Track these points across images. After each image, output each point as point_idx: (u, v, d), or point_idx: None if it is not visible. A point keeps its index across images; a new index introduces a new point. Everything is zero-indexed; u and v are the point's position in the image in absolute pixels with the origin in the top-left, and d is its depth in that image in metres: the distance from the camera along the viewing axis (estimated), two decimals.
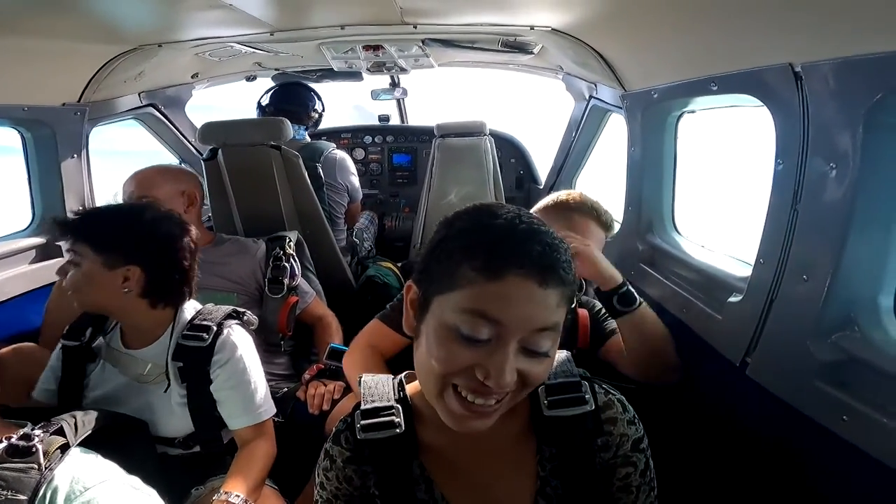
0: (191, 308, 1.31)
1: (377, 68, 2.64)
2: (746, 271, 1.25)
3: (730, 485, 1.25)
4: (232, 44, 1.97)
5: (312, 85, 2.86)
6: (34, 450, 0.85)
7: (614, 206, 2.01)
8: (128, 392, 1.25)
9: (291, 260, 1.85)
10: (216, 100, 3.25)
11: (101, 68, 1.84)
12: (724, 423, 1.30)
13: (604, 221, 1.48)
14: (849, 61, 0.87)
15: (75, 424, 0.96)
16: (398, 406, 0.77)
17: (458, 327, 0.63)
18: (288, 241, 1.89)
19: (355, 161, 3.19)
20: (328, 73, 2.80)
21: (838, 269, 0.95)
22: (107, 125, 2.26)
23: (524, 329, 0.63)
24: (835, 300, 0.97)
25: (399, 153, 3.57)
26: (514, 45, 2.07)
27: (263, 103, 2.72)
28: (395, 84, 3.28)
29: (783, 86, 1.03)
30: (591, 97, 2.40)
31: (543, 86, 2.98)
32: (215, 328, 1.25)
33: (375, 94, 3.27)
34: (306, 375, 1.59)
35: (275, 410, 1.32)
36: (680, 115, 1.68)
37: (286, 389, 1.66)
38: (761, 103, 1.14)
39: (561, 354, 0.82)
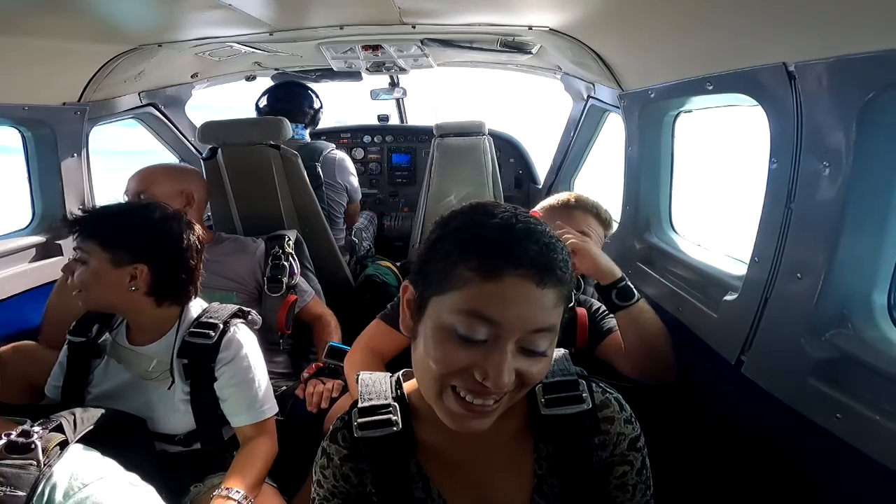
0: (197, 306, 1.32)
1: (376, 68, 2.64)
2: (742, 270, 1.25)
3: (725, 482, 1.25)
4: (231, 44, 1.97)
5: (312, 84, 2.86)
6: (33, 446, 0.85)
7: (612, 205, 2.02)
8: (130, 389, 1.26)
9: (290, 259, 1.86)
10: (216, 99, 3.26)
11: (101, 68, 1.85)
12: (720, 420, 1.30)
13: (603, 218, 1.52)
14: (841, 60, 0.88)
15: (74, 421, 0.97)
16: (395, 404, 0.78)
17: (455, 328, 0.63)
18: (287, 240, 1.90)
19: (354, 161, 3.19)
20: (327, 73, 2.80)
21: (832, 267, 0.96)
22: (107, 125, 2.27)
23: (521, 329, 0.63)
24: (828, 298, 0.98)
25: (398, 153, 3.58)
26: (512, 45, 2.07)
27: (261, 105, 2.73)
28: (394, 84, 3.29)
29: (777, 85, 1.04)
30: (589, 97, 2.41)
31: (542, 86, 2.99)
32: (221, 326, 1.26)
33: (375, 94, 3.28)
34: (305, 374, 1.60)
35: (277, 409, 1.33)
36: (677, 115, 1.69)
37: (285, 388, 1.66)
38: (756, 103, 1.15)
39: (558, 353, 0.82)
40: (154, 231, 1.23)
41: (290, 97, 2.71)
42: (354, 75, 2.86)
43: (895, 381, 0.85)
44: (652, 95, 1.64)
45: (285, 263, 1.83)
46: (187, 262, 1.26)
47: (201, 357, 1.24)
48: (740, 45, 1.14)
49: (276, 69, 2.81)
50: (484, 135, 2.69)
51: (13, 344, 1.53)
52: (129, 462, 0.93)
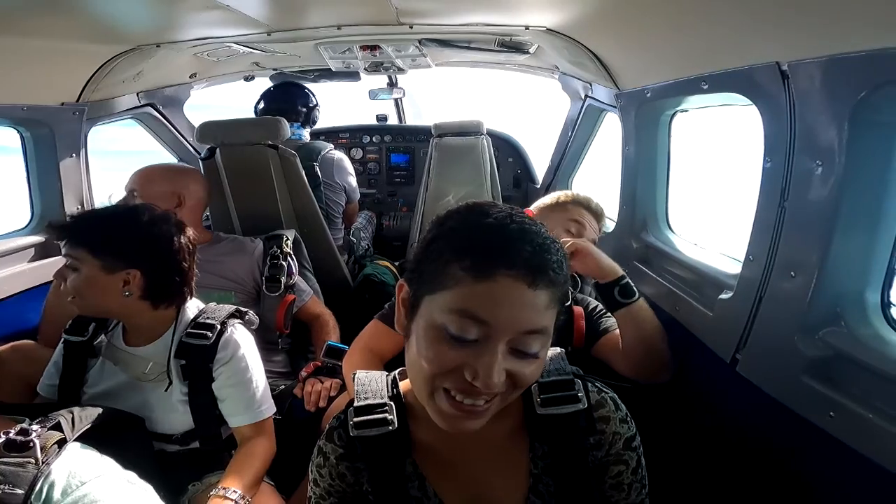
0: (193, 307, 1.32)
1: (374, 68, 2.64)
2: (737, 268, 1.26)
3: (720, 480, 1.26)
4: (230, 44, 1.98)
5: (309, 85, 2.87)
6: (31, 445, 0.86)
7: (610, 204, 2.03)
8: (126, 390, 1.26)
9: (289, 258, 1.86)
10: (214, 99, 3.26)
11: (99, 68, 1.85)
12: (716, 419, 1.30)
13: (595, 210, 1.59)
14: (833, 59, 0.88)
15: (72, 420, 0.98)
16: (391, 403, 0.78)
17: (447, 327, 0.63)
18: (285, 239, 1.91)
19: (353, 160, 3.20)
20: (326, 73, 2.81)
21: (825, 266, 0.96)
22: (105, 125, 2.27)
23: (513, 330, 0.63)
24: (822, 296, 0.98)
25: (397, 153, 3.59)
26: (510, 45, 2.08)
27: (258, 108, 2.74)
28: (392, 84, 3.29)
29: (770, 84, 1.04)
30: (586, 97, 2.41)
31: (540, 85, 2.99)
32: (219, 327, 1.26)
33: (373, 94, 3.28)
34: (303, 373, 1.60)
35: (275, 409, 1.34)
36: (673, 114, 1.69)
37: (283, 387, 1.67)
38: (750, 102, 1.15)
39: (554, 352, 0.82)
40: (144, 235, 1.22)
41: (284, 97, 2.71)
42: (353, 75, 2.86)
43: (888, 378, 0.86)
44: (648, 95, 1.64)
45: (283, 263, 1.84)
46: (180, 263, 1.25)
47: (199, 358, 1.24)
48: (734, 44, 1.14)
49: (274, 69, 2.81)
50: (482, 134, 2.69)
51: (12, 343, 1.53)
52: (127, 460, 0.94)
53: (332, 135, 3.50)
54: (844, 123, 0.89)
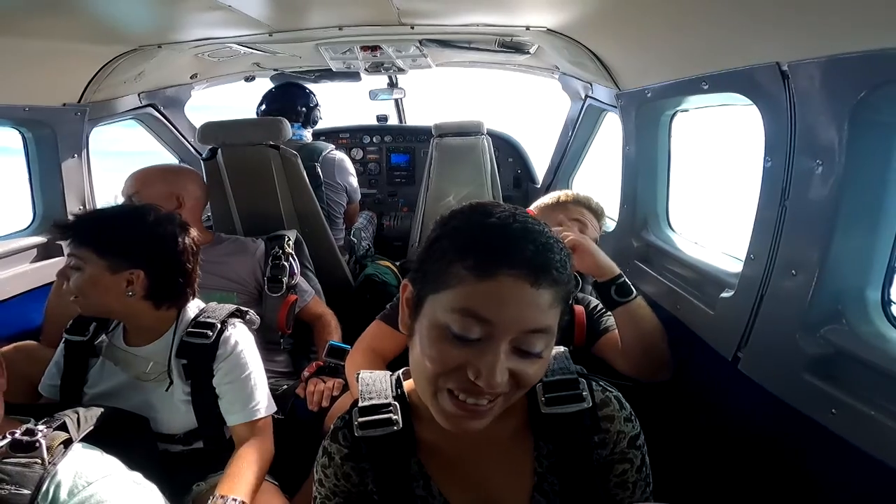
0: (194, 306, 1.32)
1: (375, 69, 2.65)
2: (738, 267, 1.26)
3: (722, 477, 1.26)
4: (231, 44, 1.98)
5: (311, 85, 2.87)
6: (37, 445, 0.86)
7: (611, 204, 2.04)
8: (127, 389, 1.26)
9: (290, 259, 1.87)
10: (215, 100, 3.27)
11: (101, 69, 1.86)
12: (718, 417, 1.31)
13: (595, 209, 1.60)
14: (833, 59, 0.89)
15: (78, 420, 0.98)
16: (395, 403, 0.78)
17: (450, 326, 0.63)
18: (287, 240, 1.91)
19: (354, 161, 3.20)
20: (326, 74, 2.81)
21: (826, 264, 0.97)
22: (107, 125, 2.28)
23: (515, 329, 0.63)
24: (823, 294, 0.99)
25: (397, 153, 3.59)
26: (510, 46, 2.08)
27: (260, 110, 2.74)
28: (393, 84, 3.30)
29: (770, 84, 1.05)
30: (586, 97, 2.42)
31: (540, 85, 2.99)
32: (219, 325, 1.26)
33: (374, 95, 3.29)
34: (306, 373, 1.61)
35: (274, 409, 1.33)
36: (673, 114, 1.70)
37: (286, 387, 1.67)
38: (751, 102, 1.16)
39: (559, 350, 0.82)
40: (149, 236, 1.22)
41: (284, 97, 2.71)
42: (353, 76, 2.87)
43: (889, 375, 0.86)
44: (648, 95, 1.65)
45: (285, 263, 1.84)
46: (183, 264, 1.26)
47: (200, 357, 1.24)
48: (735, 44, 1.15)
49: (275, 70, 2.81)
50: (482, 134, 2.70)
51: (15, 344, 1.53)
52: (132, 461, 0.94)
53: (332, 135, 3.50)
54: (844, 123, 0.89)
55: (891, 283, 0.97)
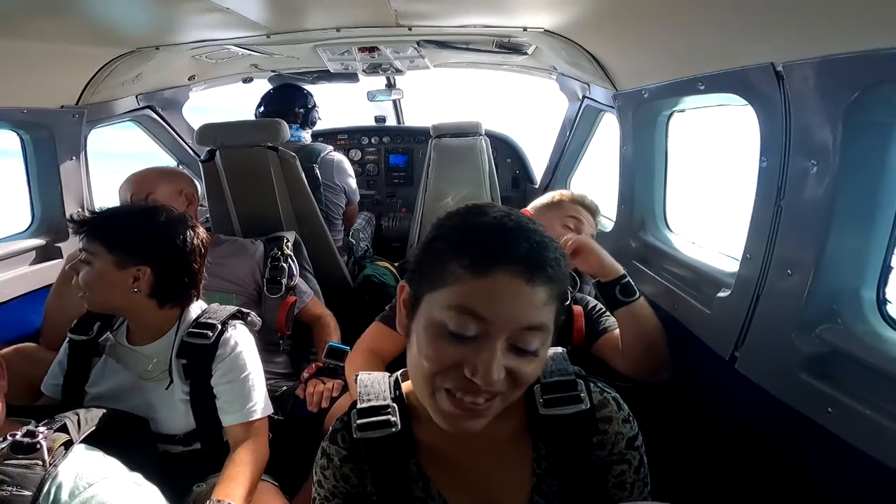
0: (196, 307, 1.33)
1: (373, 70, 2.65)
2: (734, 267, 1.27)
3: (719, 476, 1.27)
4: (228, 46, 1.98)
5: (308, 86, 2.87)
6: (38, 446, 0.86)
7: (608, 204, 2.04)
8: (128, 389, 1.26)
9: (289, 260, 1.87)
10: (213, 101, 3.27)
11: (98, 71, 1.86)
12: (715, 416, 1.32)
13: (590, 206, 1.62)
14: (827, 60, 0.89)
15: (78, 422, 0.98)
16: (394, 405, 0.78)
17: (446, 324, 0.64)
18: (286, 241, 1.91)
19: (352, 162, 3.20)
20: (324, 75, 2.81)
21: (821, 264, 0.97)
22: (105, 127, 2.28)
23: (511, 327, 0.63)
24: (818, 294, 0.99)
25: (395, 154, 3.59)
26: (507, 46, 2.09)
27: (259, 111, 2.74)
28: (391, 85, 3.30)
29: (765, 85, 1.05)
30: (584, 97, 2.42)
31: (538, 86, 3.00)
32: (219, 326, 1.27)
33: (372, 96, 3.29)
34: (305, 374, 1.61)
35: (271, 411, 1.33)
36: (670, 115, 1.70)
37: (285, 388, 1.67)
38: (746, 102, 1.16)
39: (556, 351, 0.82)
40: (159, 234, 1.24)
41: (282, 98, 2.71)
42: (351, 77, 2.87)
43: (885, 375, 0.87)
44: (645, 95, 1.65)
45: (284, 265, 1.84)
46: (190, 265, 1.27)
47: (200, 357, 1.25)
48: (730, 45, 1.15)
49: (272, 71, 2.82)
50: (480, 135, 2.70)
51: (14, 346, 1.54)
52: (133, 462, 0.95)
53: (330, 136, 3.51)
54: (838, 123, 0.90)
55: (886, 283, 0.97)
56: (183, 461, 1.29)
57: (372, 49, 2.24)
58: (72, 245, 1.85)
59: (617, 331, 1.38)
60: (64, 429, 0.93)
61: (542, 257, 0.64)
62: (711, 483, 1.29)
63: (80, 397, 1.27)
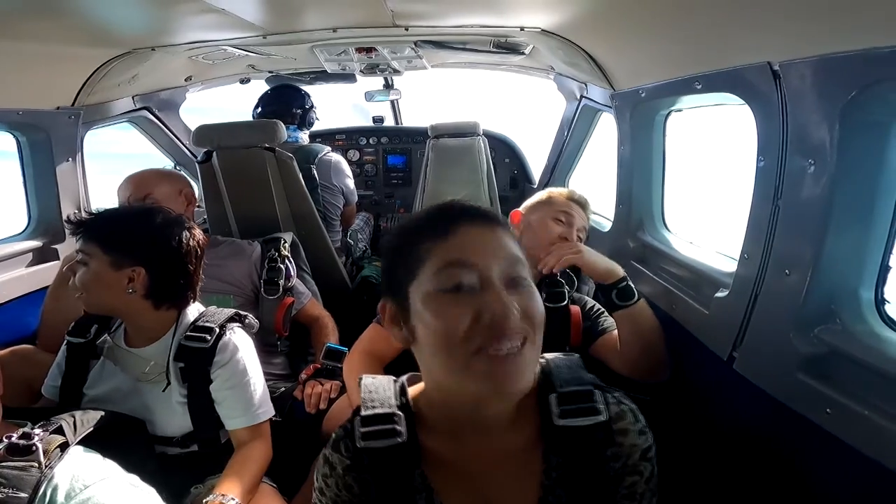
0: (194, 310, 1.32)
1: (370, 70, 2.65)
2: (732, 267, 1.26)
3: (717, 477, 1.27)
4: (225, 47, 1.98)
5: (306, 87, 2.87)
6: (34, 448, 0.85)
7: (607, 204, 2.04)
8: (125, 392, 1.26)
9: (287, 261, 1.86)
10: (210, 102, 3.26)
11: (95, 72, 1.86)
12: (713, 417, 1.32)
13: (579, 200, 1.61)
14: (823, 59, 0.89)
15: (74, 424, 0.98)
16: (400, 413, 0.75)
17: (441, 287, 0.67)
18: (283, 242, 1.90)
19: (350, 162, 3.20)
20: (322, 75, 2.81)
21: (819, 263, 0.97)
22: (101, 128, 2.27)
23: (497, 264, 0.68)
24: (816, 294, 0.99)
25: (393, 154, 3.59)
26: (505, 46, 2.09)
27: (257, 112, 2.74)
28: (388, 85, 3.30)
29: (762, 84, 1.05)
30: (582, 97, 2.42)
31: (536, 86, 3.00)
32: (217, 330, 1.27)
33: (370, 96, 3.29)
34: (303, 375, 1.60)
35: (273, 412, 1.33)
36: (668, 114, 1.70)
37: (283, 389, 1.66)
38: (743, 101, 1.16)
39: (572, 358, 0.81)
40: (154, 235, 1.23)
41: (279, 99, 2.71)
42: (348, 77, 2.86)
43: (883, 375, 0.87)
44: (643, 95, 1.65)
45: (281, 266, 1.84)
46: (186, 266, 1.26)
47: (197, 360, 1.25)
48: (727, 45, 1.15)
49: (270, 72, 2.81)
50: (478, 135, 2.70)
51: (11, 348, 1.53)
52: (129, 464, 0.94)
53: (328, 137, 3.50)
54: (835, 122, 0.90)
55: (884, 283, 0.97)
56: (180, 463, 1.28)
57: (369, 49, 2.24)
58: (68, 247, 1.85)
59: (615, 332, 1.38)
60: (60, 431, 0.93)
61: (495, 214, 0.74)
62: (710, 483, 1.29)
63: (78, 399, 1.27)
